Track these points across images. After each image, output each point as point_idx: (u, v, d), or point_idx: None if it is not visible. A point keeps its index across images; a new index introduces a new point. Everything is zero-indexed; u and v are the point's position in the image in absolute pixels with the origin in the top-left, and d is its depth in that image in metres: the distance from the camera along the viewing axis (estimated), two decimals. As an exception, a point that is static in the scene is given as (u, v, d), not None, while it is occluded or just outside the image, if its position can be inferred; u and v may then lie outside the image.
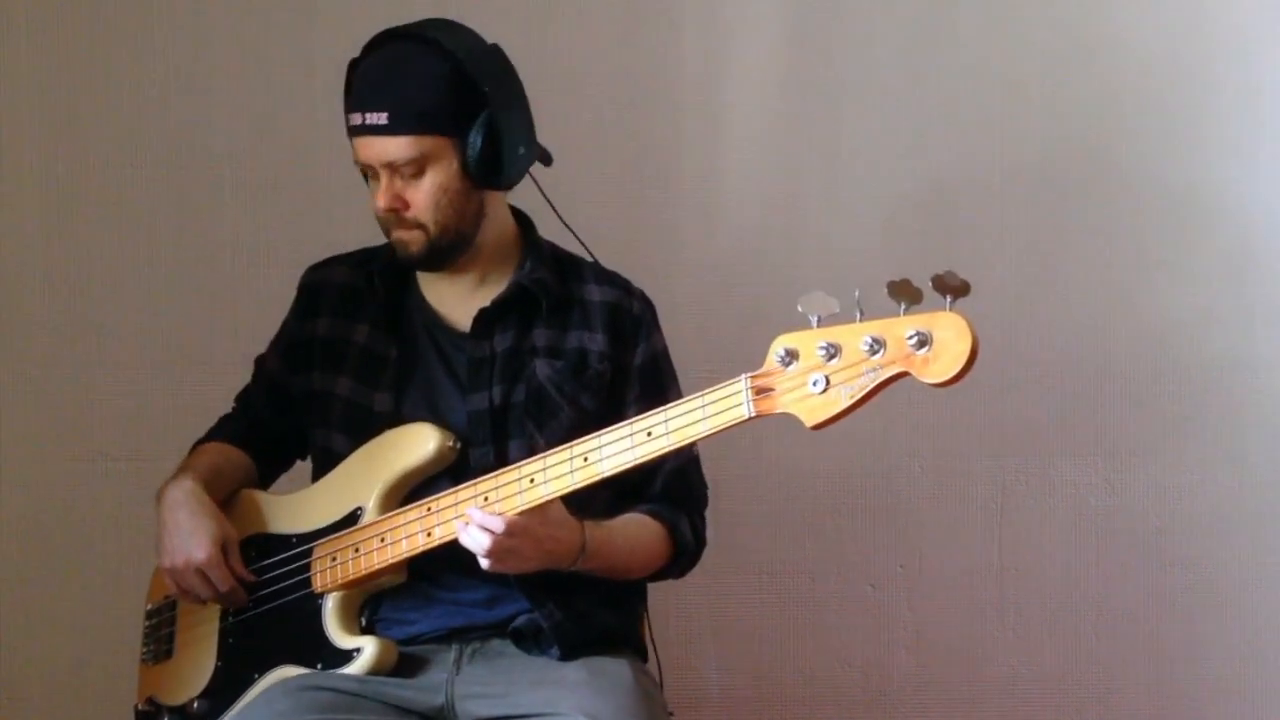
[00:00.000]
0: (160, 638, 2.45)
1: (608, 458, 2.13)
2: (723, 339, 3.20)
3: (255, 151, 3.21)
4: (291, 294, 2.51)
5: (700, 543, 2.42)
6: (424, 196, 2.28)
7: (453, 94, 2.28)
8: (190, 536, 2.30)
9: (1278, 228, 3.31)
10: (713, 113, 3.28)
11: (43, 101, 3.19)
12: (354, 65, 2.34)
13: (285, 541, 2.35)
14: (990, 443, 3.30)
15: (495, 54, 2.33)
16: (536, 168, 2.39)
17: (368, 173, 2.31)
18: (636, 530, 2.33)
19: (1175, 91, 3.29)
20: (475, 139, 2.29)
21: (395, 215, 2.29)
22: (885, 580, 3.33)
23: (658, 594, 2.47)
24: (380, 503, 2.28)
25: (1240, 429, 3.32)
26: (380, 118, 2.25)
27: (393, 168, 2.27)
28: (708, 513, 2.46)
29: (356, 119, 2.27)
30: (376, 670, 2.24)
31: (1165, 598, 3.33)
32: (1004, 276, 3.28)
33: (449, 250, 2.33)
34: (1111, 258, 3.30)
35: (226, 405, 2.56)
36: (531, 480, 2.17)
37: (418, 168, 2.27)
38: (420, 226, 2.30)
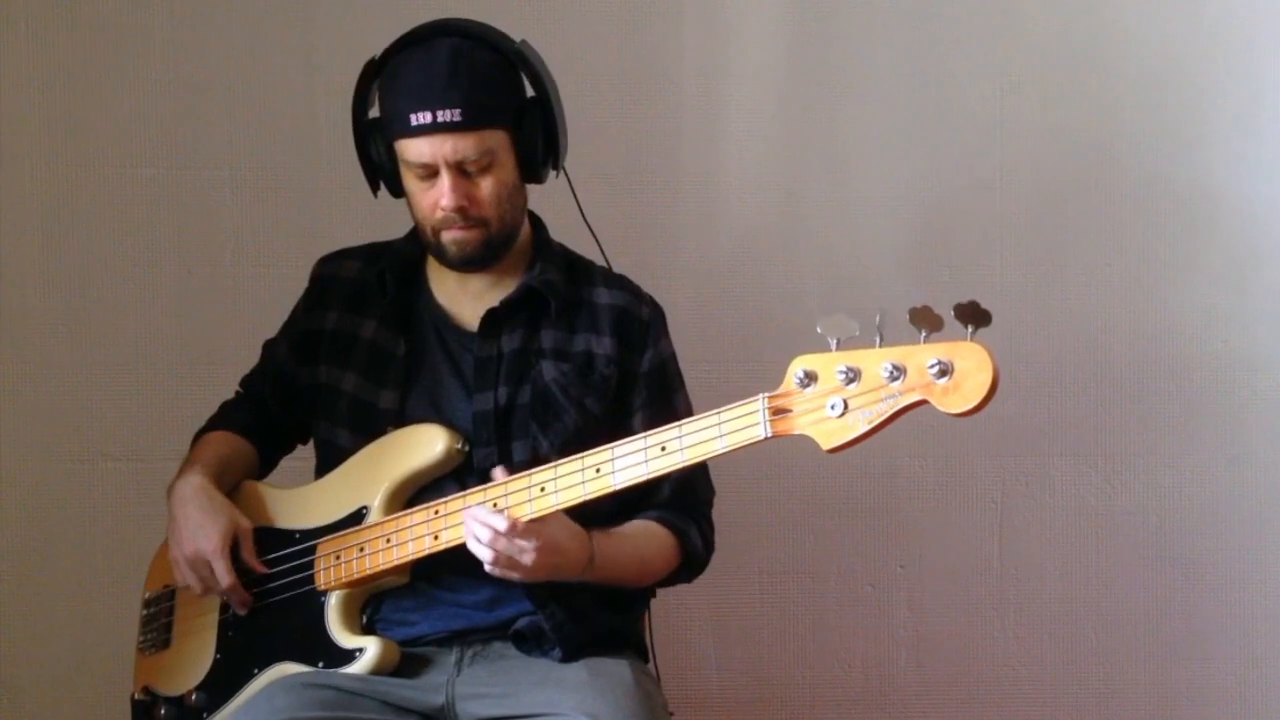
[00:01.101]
0: (158, 627, 2.45)
1: (620, 470, 2.13)
2: (722, 339, 3.20)
3: (255, 151, 3.21)
4: (291, 294, 2.51)
5: (709, 549, 2.41)
6: (488, 193, 2.28)
7: (511, 88, 2.30)
8: (199, 529, 2.30)
9: (1278, 228, 3.31)
10: (713, 113, 3.28)
11: (43, 101, 3.19)
12: (390, 65, 2.30)
13: (288, 537, 2.34)
14: (990, 443, 3.30)
15: (531, 49, 2.34)
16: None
17: (418, 173, 2.27)
18: (645, 540, 2.33)
19: (1176, 91, 3.29)
20: (532, 133, 2.30)
21: (461, 213, 2.27)
22: (885, 580, 3.33)
23: (658, 594, 2.47)
24: (385, 502, 2.28)
25: (1240, 429, 3.32)
26: (454, 114, 2.22)
27: (460, 165, 2.25)
28: (713, 516, 2.46)
29: (423, 117, 2.23)
30: (378, 671, 2.23)
31: (1165, 598, 3.33)
32: (1004, 276, 3.28)
33: (501, 247, 2.33)
34: (1112, 257, 3.30)
35: (228, 405, 2.56)
36: (542, 489, 2.16)
37: (486, 163, 2.26)
38: (482, 224, 2.29)
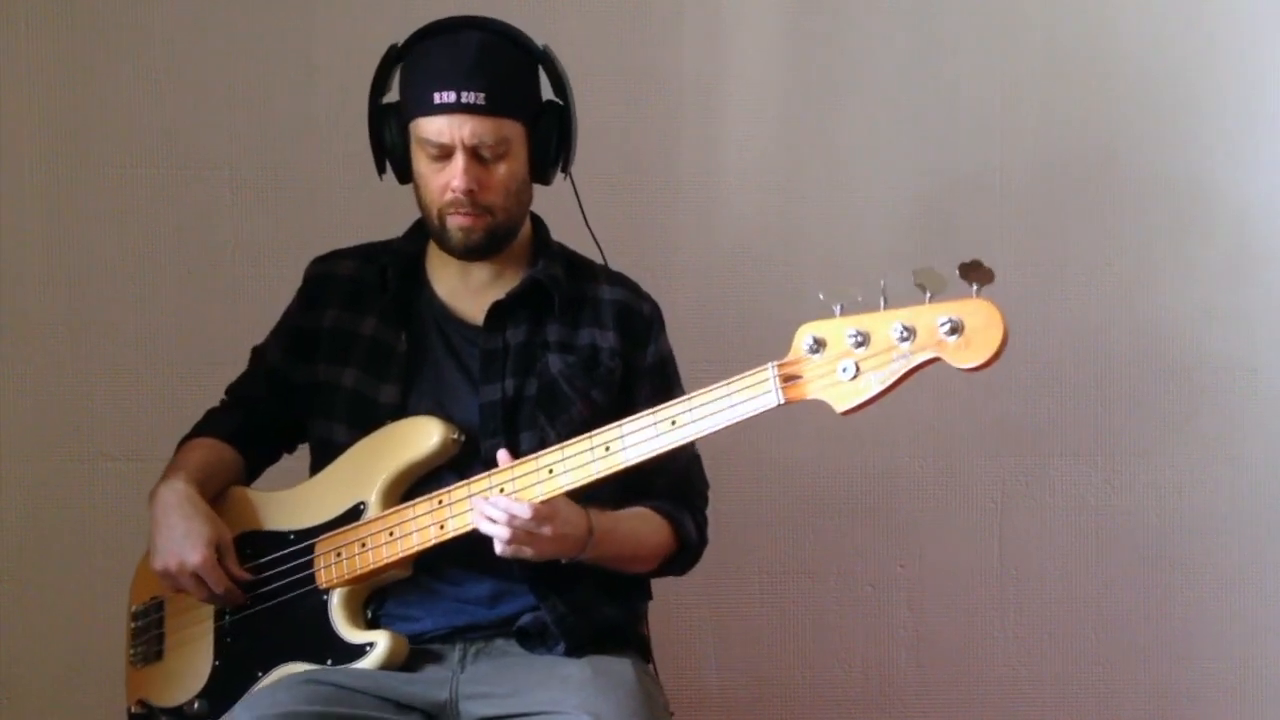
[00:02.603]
0: (148, 639, 2.43)
1: (630, 446, 2.14)
2: (722, 339, 3.20)
3: (255, 151, 3.21)
4: (291, 294, 2.51)
5: (703, 540, 2.42)
6: (499, 181, 2.29)
7: (533, 87, 2.34)
8: (184, 539, 2.29)
9: (1278, 228, 3.31)
10: (712, 113, 3.28)
11: (43, 101, 3.19)
12: (416, 50, 2.32)
13: (281, 538, 2.34)
14: (990, 443, 3.30)
15: (554, 55, 2.37)
16: None
17: (432, 153, 2.28)
18: (640, 522, 2.34)
19: (1175, 91, 3.30)
20: (547, 132, 2.33)
21: (470, 198, 2.28)
22: (885, 580, 3.33)
23: (658, 593, 2.47)
24: (383, 497, 2.28)
25: (1240, 429, 3.32)
26: (478, 97, 2.25)
27: (476, 149, 2.27)
28: (708, 512, 2.46)
29: (447, 96, 2.25)
30: (389, 664, 2.24)
31: (1165, 598, 3.33)
32: (1004, 276, 3.24)
33: (503, 240, 2.34)
34: (1112, 257, 3.30)
35: (227, 404, 2.56)
36: (550, 471, 2.17)
37: (501, 151, 2.28)
38: (488, 212, 2.30)
